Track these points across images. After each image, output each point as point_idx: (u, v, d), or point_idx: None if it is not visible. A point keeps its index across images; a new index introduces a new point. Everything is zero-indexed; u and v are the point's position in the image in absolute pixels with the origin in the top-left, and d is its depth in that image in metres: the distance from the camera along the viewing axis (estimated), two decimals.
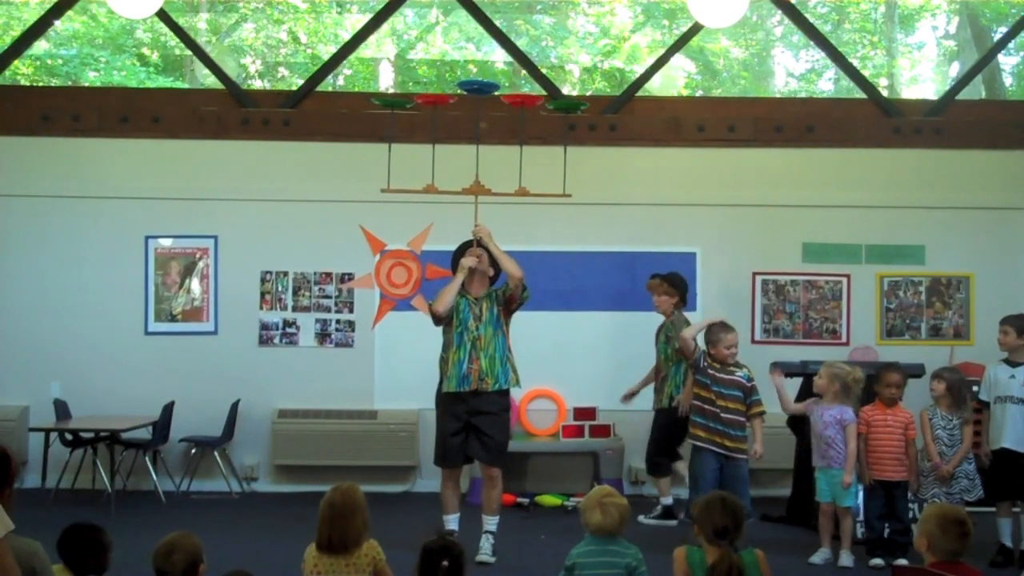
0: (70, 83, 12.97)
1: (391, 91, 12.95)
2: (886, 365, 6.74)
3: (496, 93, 6.85)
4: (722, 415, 6.43)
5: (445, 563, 3.62)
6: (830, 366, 6.58)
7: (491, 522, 6.36)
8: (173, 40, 11.85)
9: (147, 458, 8.28)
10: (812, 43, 10.50)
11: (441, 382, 6.40)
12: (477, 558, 6.20)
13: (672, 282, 7.73)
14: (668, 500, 7.67)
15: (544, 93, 9.08)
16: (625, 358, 8.79)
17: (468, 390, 6.25)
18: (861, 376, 6.53)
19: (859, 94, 9.53)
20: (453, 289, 6.31)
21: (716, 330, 6.61)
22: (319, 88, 9.29)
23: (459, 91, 6.82)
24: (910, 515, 6.57)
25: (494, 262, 6.44)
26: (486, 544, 6.29)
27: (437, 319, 6.37)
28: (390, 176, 6.30)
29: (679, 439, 7.52)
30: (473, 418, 6.28)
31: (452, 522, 6.37)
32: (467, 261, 6.33)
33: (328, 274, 8.92)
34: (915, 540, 3.89)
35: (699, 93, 14.01)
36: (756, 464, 6.62)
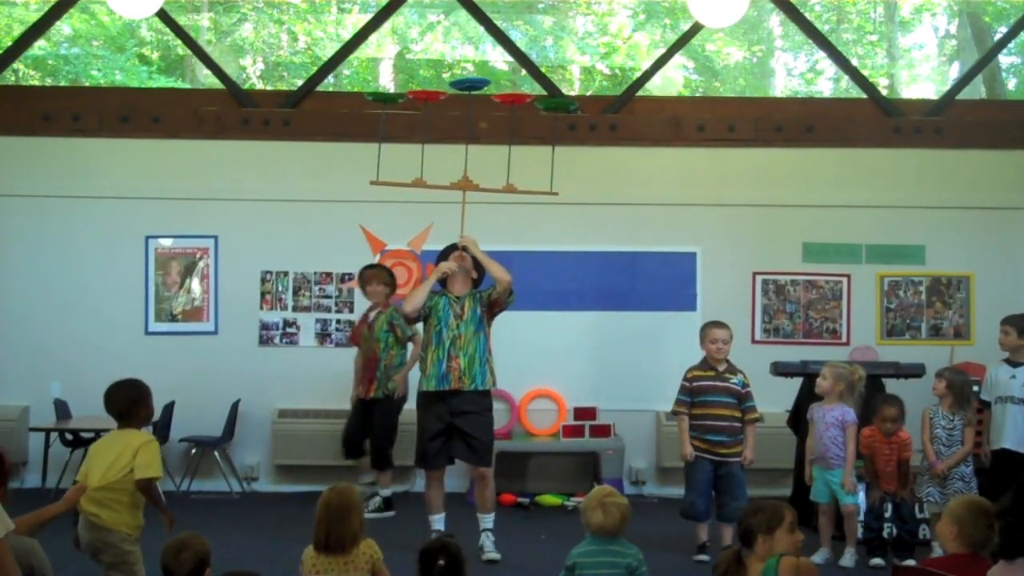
0: (70, 83, 12.96)
1: (391, 91, 12.95)
2: (885, 398, 6.57)
3: (486, 91, 6.83)
4: (714, 424, 6.43)
5: (441, 561, 3.65)
6: (833, 367, 6.59)
7: (487, 520, 6.36)
8: (174, 40, 11.84)
9: None
10: (812, 43, 10.49)
11: (421, 381, 6.39)
12: (484, 557, 6.21)
13: (391, 273, 7.87)
14: (387, 492, 7.72)
15: (544, 92, 9.09)
16: (625, 358, 8.81)
17: (448, 389, 6.22)
18: (864, 374, 6.57)
19: (859, 94, 9.53)
20: (424, 289, 6.33)
21: (705, 326, 6.67)
22: (319, 88, 9.28)
23: (452, 90, 6.80)
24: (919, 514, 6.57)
25: (478, 265, 6.44)
26: (487, 542, 6.29)
27: (408, 319, 6.44)
28: (379, 170, 6.28)
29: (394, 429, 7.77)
30: (455, 419, 6.25)
31: (438, 522, 6.34)
32: (445, 266, 6.34)
33: (328, 274, 8.91)
34: (940, 528, 3.87)
35: (699, 93, 14.01)
36: (756, 464, 6.63)
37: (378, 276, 7.77)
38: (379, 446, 7.72)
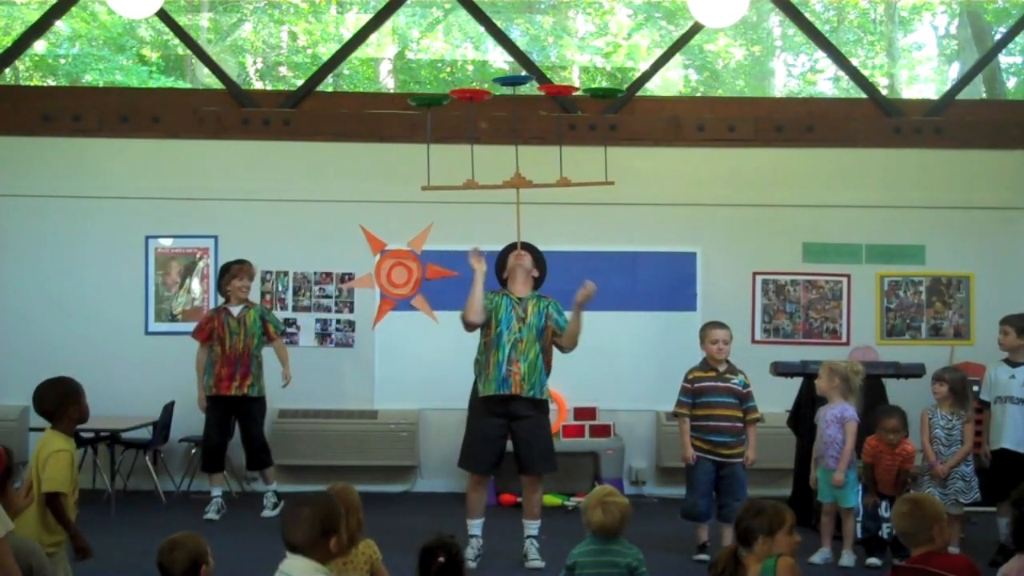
0: (70, 83, 12.95)
1: (391, 91, 12.95)
2: (885, 410, 6.56)
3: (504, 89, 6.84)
4: (717, 424, 6.45)
5: (441, 559, 3.65)
6: (827, 364, 6.60)
7: (532, 526, 6.25)
8: (174, 40, 11.84)
9: (147, 458, 8.28)
10: (812, 43, 10.49)
11: (476, 384, 6.28)
12: (528, 564, 6.12)
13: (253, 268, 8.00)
14: (273, 485, 7.89)
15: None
16: (625, 358, 8.80)
17: (508, 394, 6.11)
18: (861, 368, 6.57)
19: (859, 94, 9.53)
20: (479, 298, 6.12)
21: (705, 327, 6.68)
22: (319, 88, 9.29)
23: (497, 88, 6.79)
24: None
25: (538, 263, 6.40)
26: (532, 549, 6.19)
27: (470, 328, 6.22)
28: (430, 174, 6.23)
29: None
30: (512, 423, 6.17)
31: (476, 527, 6.24)
32: (477, 265, 6.13)
33: (328, 274, 8.92)
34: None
35: (699, 93, 14.00)
36: (757, 464, 6.64)
37: (248, 272, 7.87)
38: (261, 443, 7.86)
